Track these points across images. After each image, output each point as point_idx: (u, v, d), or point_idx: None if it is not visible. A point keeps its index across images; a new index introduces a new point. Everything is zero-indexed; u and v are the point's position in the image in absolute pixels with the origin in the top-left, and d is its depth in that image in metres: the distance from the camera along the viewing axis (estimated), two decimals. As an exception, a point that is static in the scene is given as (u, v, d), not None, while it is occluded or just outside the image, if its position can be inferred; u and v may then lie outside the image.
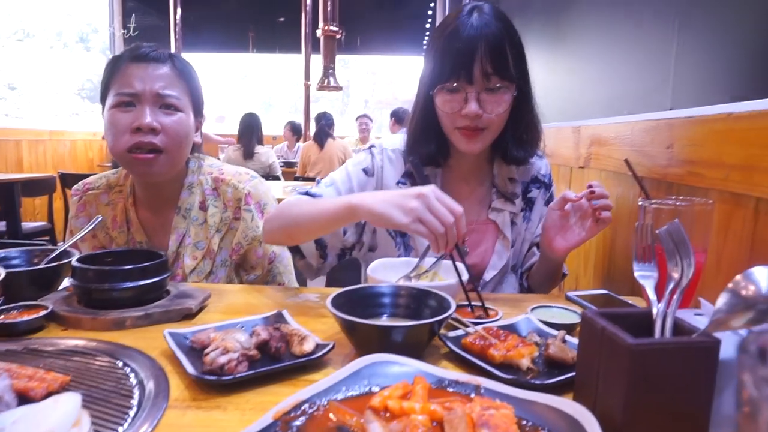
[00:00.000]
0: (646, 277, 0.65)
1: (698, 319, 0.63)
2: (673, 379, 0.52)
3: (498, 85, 1.05)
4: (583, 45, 1.73)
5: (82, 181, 1.33)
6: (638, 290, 1.20)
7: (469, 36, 1.04)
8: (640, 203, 0.78)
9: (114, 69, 1.17)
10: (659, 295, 0.61)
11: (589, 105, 1.62)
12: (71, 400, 0.54)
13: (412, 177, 1.21)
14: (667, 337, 0.56)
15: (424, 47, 1.16)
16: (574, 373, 0.66)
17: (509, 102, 1.08)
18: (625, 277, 1.29)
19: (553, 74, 2.04)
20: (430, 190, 0.88)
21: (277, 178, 4.65)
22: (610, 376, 0.55)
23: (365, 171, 1.22)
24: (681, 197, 0.83)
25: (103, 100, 1.19)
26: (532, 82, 1.14)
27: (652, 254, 0.65)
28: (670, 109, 1.12)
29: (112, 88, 1.16)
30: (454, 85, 1.06)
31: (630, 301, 1.04)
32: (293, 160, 5.79)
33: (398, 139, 1.25)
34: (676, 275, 0.60)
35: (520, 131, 1.16)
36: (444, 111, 1.10)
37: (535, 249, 1.28)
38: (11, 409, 0.56)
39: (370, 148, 1.26)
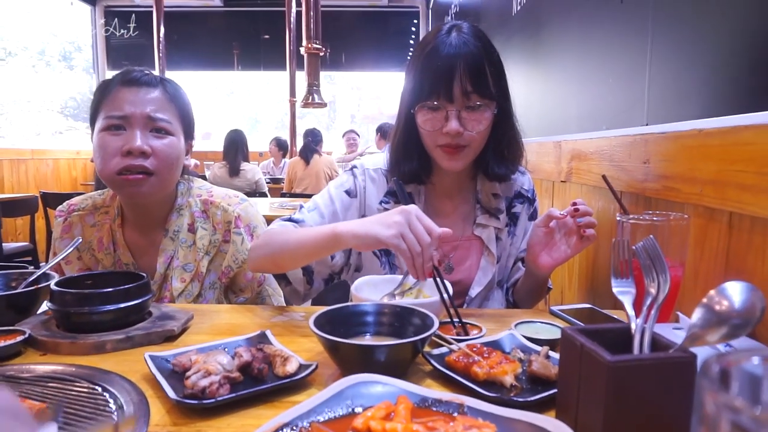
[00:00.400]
0: (624, 292, 0.65)
1: (677, 334, 0.64)
2: (652, 395, 0.52)
3: (478, 103, 1.07)
4: (563, 61, 1.76)
5: (67, 201, 1.32)
6: (621, 304, 1.22)
7: (448, 55, 1.05)
8: (618, 219, 0.80)
9: (105, 92, 1.17)
10: (637, 310, 0.61)
11: (570, 120, 1.65)
12: (47, 430, 0.54)
13: (395, 195, 1.21)
14: (645, 353, 0.57)
15: (406, 65, 1.18)
16: (556, 390, 0.66)
17: (489, 119, 1.09)
18: (608, 291, 1.29)
19: (533, 89, 2.07)
20: (413, 209, 0.89)
21: (263, 194, 4.63)
22: (589, 392, 0.55)
23: (348, 192, 1.22)
24: (657, 212, 0.84)
25: (92, 123, 1.18)
26: (512, 99, 1.16)
27: (630, 270, 0.66)
28: (646, 125, 1.14)
29: (102, 111, 1.15)
30: (435, 103, 1.07)
31: (613, 315, 1.04)
32: (279, 177, 5.78)
33: (380, 159, 1.26)
34: (653, 290, 0.60)
35: (502, 148, 1.17)
36: (425, 129, 1.11)
37: (520, 264, 1.28)
38: (-15, 440, 0.55)
39: (351, 168, 1.26)
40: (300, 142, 5.47)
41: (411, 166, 1.16)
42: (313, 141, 4.99)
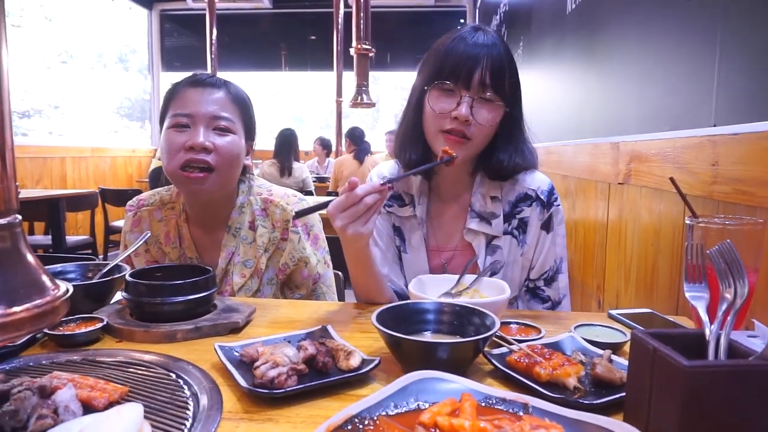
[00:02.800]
0: (697, 297, 0.64)
1: (753, 342, 0.62)
2: (729, 402, 0.51)
3: (492, 96, 1.08)
4: (621, 59, 1.72)
5: (137, 197, 1.39)
6: (683, 309, 1.18)
7: (475, 46, 1.08)
8: (687, 222, 0.78)
9: (173, 93, 1.23)
10: (711, 316, 0.60)
11: (628, 120, 1.61)
12: (134, 410, 0.57)
13: (399, 199, 1.24)
14: (723, 360, 0.55)
15: (426, 53, 1.18)
16: (623, 394, 0.65)
17: (497, 118, 1.10)
18: (668, 296, 1.26)
19: (588, 90, 2.03)
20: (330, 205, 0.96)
21: (310, 193, 4.71)
22: (662, 398, 0.54)
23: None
24: (730, 216, 0.82)
25: (161, 122, 1.24)
26: (523, 109, 1.16)
27: (703, 274, 0.64)
28: (714, 126, 1.10)
29: (170, 110, 1.21)
30: (451, 84, 1.08)
31: (675, 320, 1.02)
32: (325, 176, 5.86)
33: (386, 166, 1.29)
34: (728, 296, 0.59)
35: (509, 150, 1.15)
36: (434, 109, 1.10)
37: (531, 300, 1.20)
38: (77, 418, 0.59)
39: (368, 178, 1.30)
40: (345, 142, 5.53)
41: (417, 153, 1.17)
42: (360, 139, 5.07)
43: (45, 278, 0.56)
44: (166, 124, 1.21)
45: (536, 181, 1.20)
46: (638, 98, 1.54)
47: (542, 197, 1.18)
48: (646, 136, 1.41)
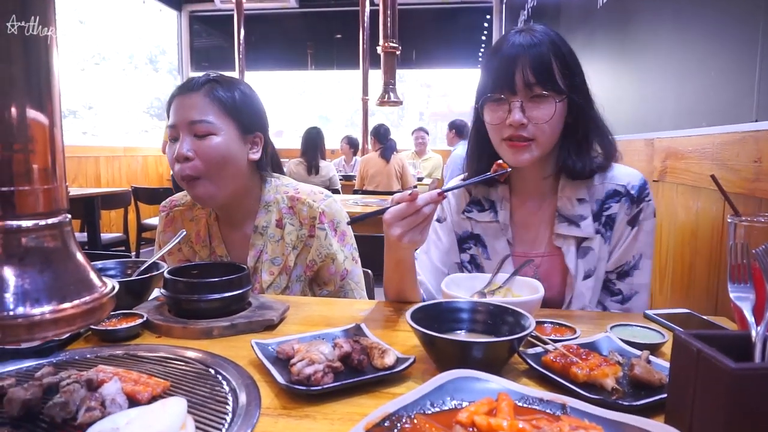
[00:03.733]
0: (742, 298, 0.62)
1: (801, 343, 0.60)
2: (779, 405, 0.50)
3: (541, 93, 1.06)
4: (655, 54, 1.68)
5: (170, 198, 1.42)
6: (722, 310, 1.15)
7: (512, 49, 1.08)
8: (729, 221, 0.76)
9: (169, 104, 1.25)
10: (757, 317, 0.58)
11: (663, 117, 1.57)
12: (178, 404, 0.58)
13: (478, 204, 1.23)
14: (771, 362, 0.54)
15: (480, 60, 1.18)
16: (664, 396, 0.64)
17: (555, 113, 1.07)
18: (706, 296, 1.23)
19: (620, 85, 1.99)
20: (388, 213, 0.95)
21: (336, 191, 4.74)
22: (707, 400, 0.53)
23: (438, 220, 1.28)
24: (775, 214, 0.79)
25: None
26: (592, 95, 1.12)
27: (748, 274, 0.63)
28: (756, 121, 1.07)
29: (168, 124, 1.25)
30: (500, 96, 1.08)
31: (714, 321, 0.99)
32: (351, 174, 5.89)
33: (455, 182, 1.27)
34: (776, 297, 0.57)
35: (578, 141, 1.13)
36: (490, 123, 1.12)
37: (603, 293, 1.17)
38: (124, 410, 0.61)
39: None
40: (371, 140, 5.54)
41: (486, 163, 1.16)
42: (385, 136, 5.07)
43: (93, 275, 0.57)
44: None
45: (626, 175, 1.15)
46: (674, 93, 1.50)
47: (633, 192, 1.13)
48: (683, 132, 1.37)
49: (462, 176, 1.28)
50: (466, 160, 1.25)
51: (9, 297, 0.50)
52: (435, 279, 1.24)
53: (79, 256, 0.56)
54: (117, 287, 0.60)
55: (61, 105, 0.55)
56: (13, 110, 0.50)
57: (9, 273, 0.50)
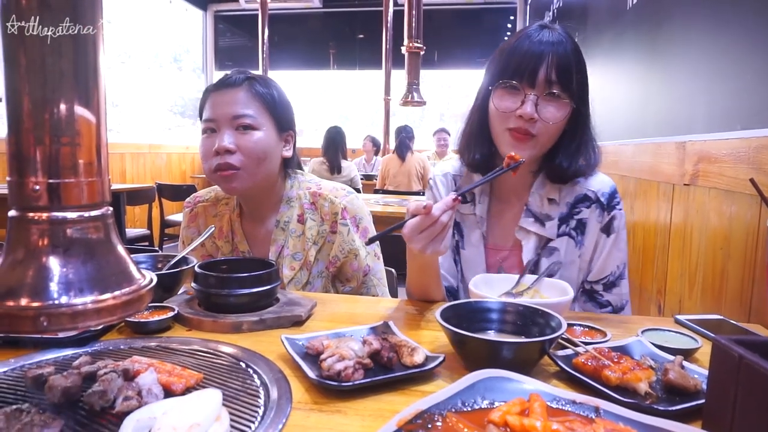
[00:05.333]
0: (784, 303, 0.61)
1: None
2: (825, 414, 0.48)
3: (558, 93, 1.06)
4: (688, 56, 1.65)
5: (194, 194, 1.44)
6: (755, 316, 1.13)
7: (540, 43, 1.07)
8: (769, 225, 0.74)
9: (204, 99, 1.27)
10: (801, 323, 0.57)
11: (695, 119, 1.54)
12: (214, 396, 0.59)
13: (462, 196, 1.22)
14: (817, 369, 0.53)
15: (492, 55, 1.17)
16: (700, 401, 0.63)
17: (564, 116, 1.07)
18: (739, 302, 1.21)
19: (650, 87, 1.96)
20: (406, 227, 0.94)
21: (357, 191, 4.75)
22: (749, 407, 0.52)
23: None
24: (817, 219, 0.77)
25: None
26: (591, 108, 1.13)
27: (791, 280, 0.61)
28: (795, 125, 1.04)
29: (202, 117, 1.26)
30: (516, 84, 1.07)
31: (747, 327, 0.97)
32: (372, 173, 5.90)
33: (449, 164, 1.29)
34: (821, 303, 0.56)
35: (572, 150, 1.13)
36: (498, 108, 1.09)
37: (585, 301, 1.16)
38: (159, 401, 0.62)
39: (429, 180, 1.31)
40: (393, 140, 5.54)
41: (482, 152, 1.17)
42: (408, 137, 5.05)
43: (133, 268, 0.59)
44: (201, 129, 1.26)
45: (597, 182, 1.17)
46: (706, 96, 1.48)
47: (602, 199, 1.15)
48: (716, 136, 1.35)
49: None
50: (461, 147, 1.22)
51: (54, 286, 0.51)
52: (446, 260, 1.25)
53: (120, 249, 0.58)
54: (155, 280, 0.61)
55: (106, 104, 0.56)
56: (62, 105, 0.51)
57: (54, 263, 0.51)
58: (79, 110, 0.53)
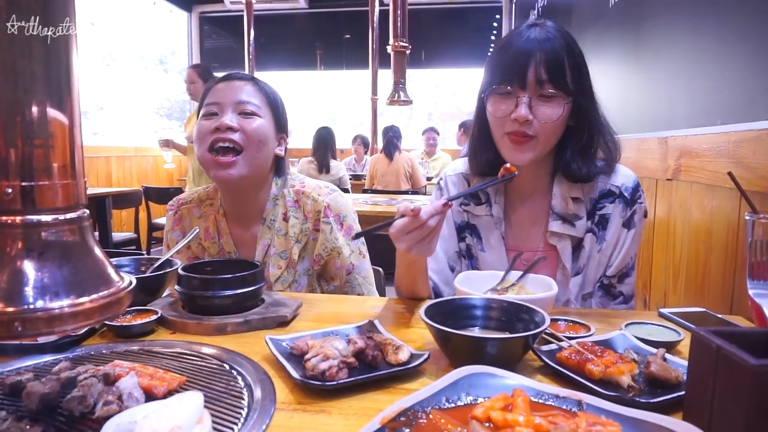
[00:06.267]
0: (761, 295, 0.62)
1: (822, 341, 0.60)
2: (800, 402, 0.49)
3: (551, 92, 1.04)
4: (669, 53, 1.66)
5: (177, 197, 1.43)
6: (737, 309, 1.14)
7: (527, 44, 1.06)
8: (747, 218, 0.75)
9: (207, 90, 1.29)
10: (777, 313, 0.58)
11: (676, 115, 1.56)
12: (195, 398, 0.59)
13: (475, 197, 1.23)
14: (793, 358, 0.53)
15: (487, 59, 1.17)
16: (681, 393, 0.64)
17: (562, 113, 1.06)
18: (721, 295, 1.22)
19: (633, 84, 1.98)
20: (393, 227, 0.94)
21: (346, 190, 4.74)
22: (727, 397, 0.53)
23: None
24: (794, 211, 0.78)
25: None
26: (597, 98, 1.11)
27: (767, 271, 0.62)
28: (773, 118, 1.06)
29: (203, 105, 1.27)
30: (507, 88, 1.07)
31: (729, 320, 0.98)
32: (361, 173, 5.89)
33: (460, 163, 1.29)
34: (797, 293, 0.57)
35: (583, 146, 1.11)
36: (494, 115, 1.10)
37: (599, 293, 1.15)
38: (140, 404, 0.61)
39: (439, 181, 1.31)
40: (381, 140, 5.54)
41: (488, 158, 1.17)
42: (395, 137, 5.05)
43: (111, 270, 0.58)
44: (199, 115, 1.27)
45: (620, 176, 1.15)
46: (688, 92, 1.49)
47: (626, 194, 1.13)
48: (697, 131, 1.36)
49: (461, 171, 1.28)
50: (468, 154, 1.23)
51: (29, 291, 0.50)
52: (440, 273, 1.24)
53: (97, 251, 0.57)
54: (134, 282, 0.60)
55: (80, 103, 0.55)
56: (34, 107, 0.50)
57: (29, 267, 0.51)
58: (52, 112, 0.52)
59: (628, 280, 1.15)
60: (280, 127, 1.33)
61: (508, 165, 1.00)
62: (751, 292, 0.62)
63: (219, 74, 1.34)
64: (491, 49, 7.89)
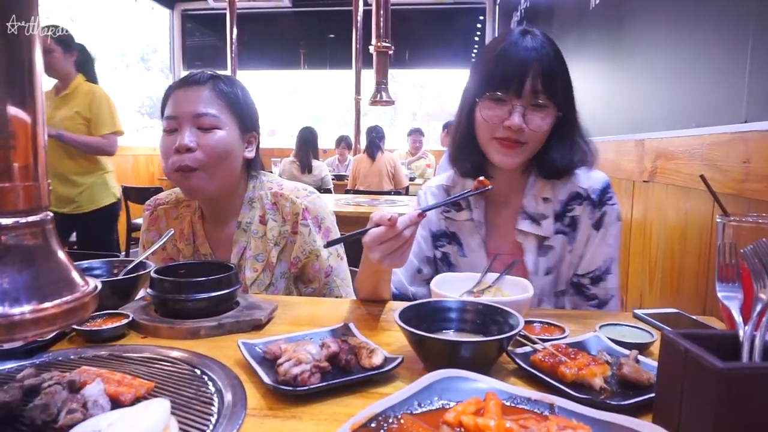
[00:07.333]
0: (730, 297, 0.62)
1: (788, 343, 0.60)
2: (766, 405, 0.49)
3: (543, 102, 1.07)
4: (647, 56, 1.68)
5: (154, 197, 1.41)
6: (710, 310, 1.16)
7: (525, 51, 1.07)
8: (718, 221, 0.76)
9: (166, 97, 1.25)
10: (745, 316, 0.58)
11: (653, 118, 1.58)
12: (161, 405, 0.57)
13: (457, 204, 1.24)
14: (759, 362, 0.54)
15: (474, 59, 1.17)
16: (652, 395, 0.64)
17: (551, 122, 1.09)
18: (695, 296, 1.24)
19: (612, 87, 2.00)
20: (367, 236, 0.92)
21: (328, 191, 4.72)
22: (695, 400, 0.53)
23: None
24: (763, 214, 0.79)
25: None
26: (577, 106, 1.15)
27: (737, 274, 0.63)
28: (745, 122, 1.07)
29: (164, 116, 1.24)
30: (501, 96, 1.08)
31: (703, 321, 1.00)
32: (344, 174, 5.88)
33: (443, 177, 1.30)
34: (764, 296, 0.57)
35: (563, 150, 1.14)
36: (486, 120, 1.11)
37: (571, 291, 1.19)
38: (106, 412, 0.60)
39: (418, 193, 1.32)
40: (364, 140, 5.53)
41: (472, 161, 1.18)
42: (377, 137, 5.04)
43: (75, 274, 0.56)
44: (161, 127, 1.24)
45: (590, 179, 1.18)
46: (665, 95, 1.51)
47: (593, 196, 1.16)
48: (673, 133, 1.38)
49: (447, 174, 1.28)
50: (451, 156, 1.23)
51: (-13, 296, 0.48)
52: (406, 270, 1.25)
53: (61, 255, 0.55)
54: (99, 286, 0.59)
55: (44, 103, 0.54)
56: (-6, 106, 0.49)
57: (-13, 271, 0.49)
58: (14, 111, 0.50)
59: (602, 285, 1.16)
60: (247, 127, 1.28)
61: (481, 178, 1.00)
62: (720, 294, 0.63)
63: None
64: (475, 51, 7.92)
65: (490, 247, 1.22)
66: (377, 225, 0.91)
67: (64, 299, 0.53)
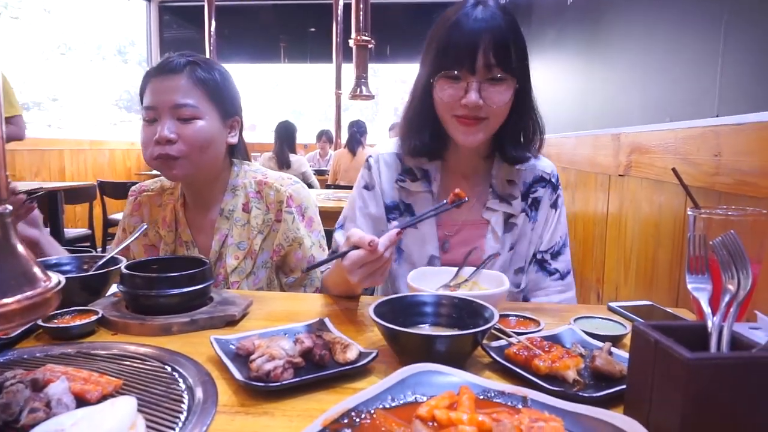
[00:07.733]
0: (699, 289, 0.63)
1: (755, 333, 0.62)
2: (732, 395, 0.50)
3: (500, 76, 1.05)
4: (623, 51, 1.70)
5: (140, 183, 1.41)
6: (683, 302, 1.17)
7: (474, 26, 1.04)
8: (689, 213, 0.77)
9: (144, 85, 1.23)
10: (714, 307, 0.59)
11: (629, 112, 1.59)
12: (127, 403, 0.56)
13: (410, 173, 1.22)
14: (726, 352, 0.54)
15: (427, 37, 1.14)
16: (623, 387, 0.65)
17: (510, 95, 1.07)
18: (668, 288, 1.26)
19: (589, 81, 2.01)
20: (346, 262, 0.90)
21: (310, 186, 4.69)
22: (664, 390, 0.53)
23: (366, 187, 1.26)
24: (732, 207, 0.81)
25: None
26: (532, 83, 1.14)
27: (706, 266, 0.63)
28: (717, 116, 1.09)
29: (142, 104, 1.22)
30: (456, 73, 1.06)
31: (675, 312, 1.01)
32: (325, 168, 5.85)
33: (393, 142, 1.27)
34: (732, 287, 0.58)
35: (520, 128, 1.16)
36: (443, 99, 1.09)
37: (536, 268, 1.23)
38: (70, 411, 0.58)
39: (368, 159, 1.28)
40: (345, 135, 5.50)
41: (422, 139, 1.16)
42: (359, 132, 5.02)
43: (36, 269, 0.54)
44: (141, 116, 1.23)
45: (549, 165, 1.26)
46: (640, 89, 1.53)
47: (553, 180, 1.25)
48: (647, 128, 1.39)
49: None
50: (402, 135, 1.20)
51: (-58, 292, 0.47)
52: None
53: (21, 249, 0.53)
54: (63, 282, 0.57)
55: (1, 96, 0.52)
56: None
57: (-58, 267, 0.47)
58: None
59: (561, 258, 1.24)
60: (228, 112, 1.27)
61: (457, 190, 0.99)
62: (689, 286, 0.63)
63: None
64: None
65: (441, 219, 1.21)
66: (356, 247, 0.90)
67: (25, 295, 0.51)
